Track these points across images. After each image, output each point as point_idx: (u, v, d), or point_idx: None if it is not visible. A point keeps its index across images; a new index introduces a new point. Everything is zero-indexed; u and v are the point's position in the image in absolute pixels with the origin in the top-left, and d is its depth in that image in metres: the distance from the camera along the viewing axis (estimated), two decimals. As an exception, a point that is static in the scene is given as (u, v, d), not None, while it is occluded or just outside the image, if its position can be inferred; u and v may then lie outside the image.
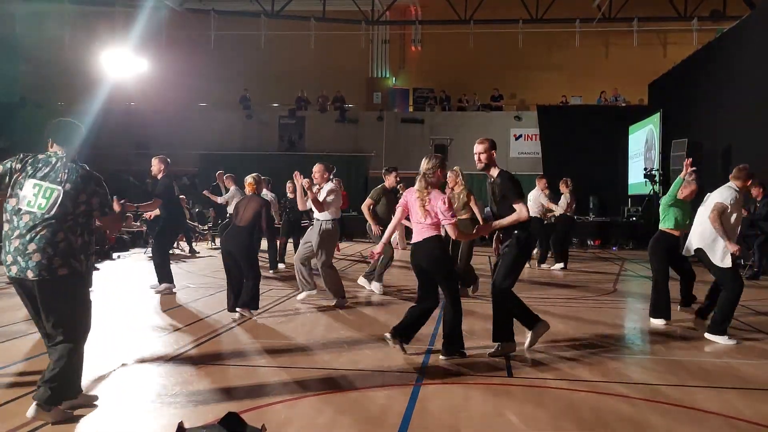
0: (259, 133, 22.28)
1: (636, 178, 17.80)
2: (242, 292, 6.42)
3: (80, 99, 20.21)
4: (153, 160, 8.15)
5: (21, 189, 3.48)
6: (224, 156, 20.70)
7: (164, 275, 7.93)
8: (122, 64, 19.58)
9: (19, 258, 3.43)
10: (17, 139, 19.29)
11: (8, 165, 3.54)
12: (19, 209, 3.46)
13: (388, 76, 24.44)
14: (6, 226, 3.50)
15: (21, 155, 3.61)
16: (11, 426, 3.43)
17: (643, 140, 17.62)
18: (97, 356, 4.98)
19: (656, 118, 16.12)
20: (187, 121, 21.85)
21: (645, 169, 16.32)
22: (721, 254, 5.68)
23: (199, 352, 5.07)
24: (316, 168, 7.28)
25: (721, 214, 5.60)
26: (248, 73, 23.07)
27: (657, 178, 15.41)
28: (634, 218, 16.72)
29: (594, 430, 3.57)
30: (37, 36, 22.10)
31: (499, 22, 21.50)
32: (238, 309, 6.38)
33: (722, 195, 5.73)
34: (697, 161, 13.55)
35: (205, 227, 16.35)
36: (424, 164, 5.02)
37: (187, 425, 2.94)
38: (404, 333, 5.02)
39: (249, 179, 6.87)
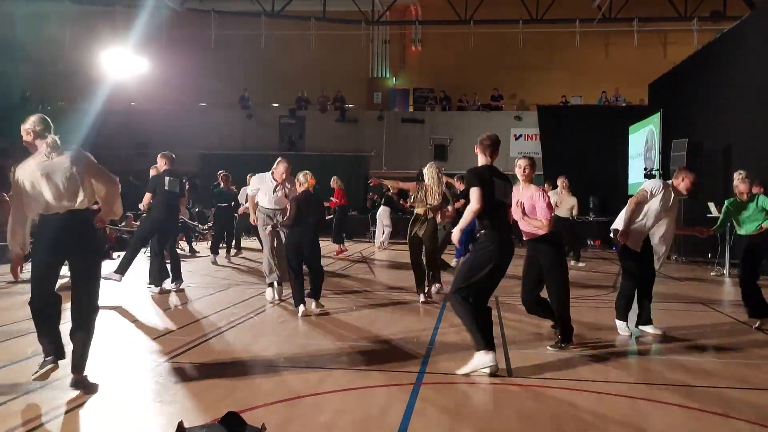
0: (259, 133, 22.28)
1: (636, 178, 17.77)
2: (313, 286, 6.73)
3: (81, 99, 20.23)
4: (158, 156, 8.29)
5: None
6: (224, 156, 20.70)
7: (123, 266, 7.87)
8: (122, 64, 19.59)
9: None
10: (18, 140, 19.28)
11: None
12: None
13: (388, 76, 24.45)
14: None
15: None
16: (11, 426, 3.43)
17: (643, 140, 17.60)
18: (97, 356, 4.98)
19: (656, 118, 16.11)
20: (187, 121, 21.84)
21: (645, 169, 16.30)
22: (633, 238, 5.77)
23: (199, 352, 5.06)
24: (284, 168, 7.39)
25: (638, 202, 5.68)
26: (248, 73, 23.08)
27: (657, 178, 15.40)
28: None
29: (594, 430, 3.57)
30: (37, 36, 22.09)
31: (499, 22, 21.49)
32: (316, 303, 6.68)
33: (648, 184, 5.86)
34: (697, 161, 13.62)
35: (205, 227, 16.34)
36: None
37: (187, 425, 2.94)
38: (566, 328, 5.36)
39: (309, 177, 6.94)
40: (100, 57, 19.45)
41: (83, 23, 23.19)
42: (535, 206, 5.25)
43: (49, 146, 4.13)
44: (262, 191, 7.48)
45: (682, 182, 5.77)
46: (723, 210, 6.81)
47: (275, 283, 7.32)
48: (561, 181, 11.80)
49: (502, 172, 4.74)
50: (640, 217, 5.71)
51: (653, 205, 5.69)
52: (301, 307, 6.54)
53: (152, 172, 8.54)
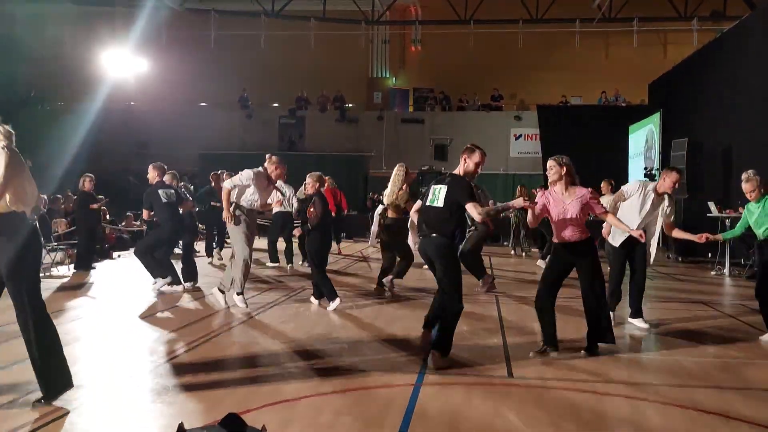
0: (259, 133, 22.28)
1: (636, 178, 17.78)
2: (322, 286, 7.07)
3: (80, 99, 20.26)
4: (149, 167, 8.21)
5: None
6: (224, 156, 20.69)
7: (157, 270, 7.96)
8: (122, 64, 19.62)
9: None
10: (17, 140, 19.28)
11: None
12: None
13: (388, 76, 24.45)
14: None
15: None
16: (11, 426, 3.43)
17: (643, 140, 17.62)
18: (97, 356, 4.98)
19: (656, 118, 16.12)
20: (187, 121, 21.85)
21: (645, 168, 16.31)
22: (616, 235, 6.14)
23: (199, 352, 5.06)
24: (284, 170, 7.25)
25: (614, 200, 6.12)
26: (248, 73, 23.08)
27: (657, 178, 15.40)
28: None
29: (594, 430, 3.57)
30: (37, 36, 22.10)
31: (499, 22, 21.49)
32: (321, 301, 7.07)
33: (626, 185, 6.21)
34: (697, 161, 13.60)
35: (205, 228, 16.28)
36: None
37: (187, 426, 2.93)
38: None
39: (325, 178, 7.33)
40: (100, 57, 19.46)
41: (83, 23, 23.21)
42: (583, 207, 5.16)
43: (8, 138, 3.79)
44: (253, 190, 6.79)
45: (664, 182, 5.98)
46: (743, 214, 6.37)
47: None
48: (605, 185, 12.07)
49: (457, 177, 4.88)
50: (622, 215, 5.94)
51: (630, 204, 6.00)
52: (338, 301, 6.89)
53: (149, 177, 8.28)
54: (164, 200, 7.95)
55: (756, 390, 4.34)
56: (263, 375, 4.48)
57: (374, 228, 15.44)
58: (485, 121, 21.27)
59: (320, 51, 22.60)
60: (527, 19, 21.05)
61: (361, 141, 22.06)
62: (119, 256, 12.33)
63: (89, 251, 10.26)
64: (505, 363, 4.86)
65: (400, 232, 8.16)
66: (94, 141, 18.22)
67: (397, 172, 7.92)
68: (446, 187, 4.81)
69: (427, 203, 4.89)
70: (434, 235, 4.78)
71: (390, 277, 8.02)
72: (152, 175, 8.12)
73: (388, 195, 7.91)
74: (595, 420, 3.69)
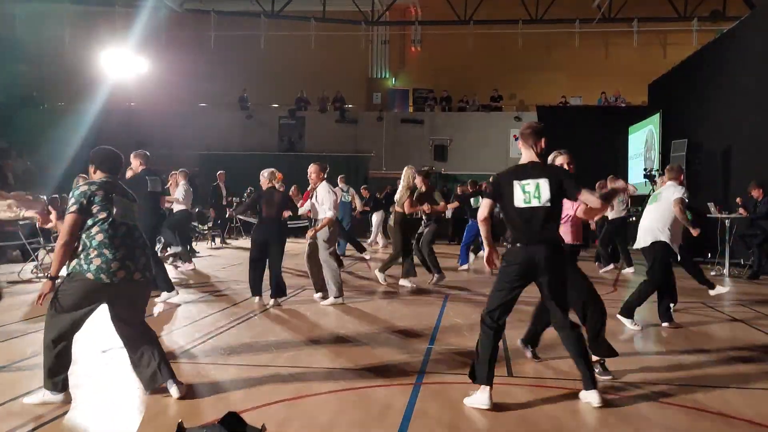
0: (259, 133, 22.30)
1: (636, 178, 17.77)
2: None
3: (80, 99, 20.24)
4: (131, 156, 7.42)
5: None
6: (224, 156, 20.71)
7: (166, 281, 7.30)
8: (122, 64, 19.59)
9: (128, 262, 3.76)
10: (17, 140, 19.33)
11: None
12: (114, 221, 3.79)
13: (387, 76, 24.46)
14: (100, 237, 3.73)
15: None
16: (12, 426, 3.43)
17: (643, 140, 17.62)
18: (97, 356, 4.98)
19: (656, 118, 16.12)
20: (187, 121, 21.85)
21: (645, 169, 16.31)
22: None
23: (198, 352, 5.06)
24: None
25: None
26: (248, 73, 23.09)
27: (657, 179, 15.40)
28: (633, 218, 16.70)
29: (594, 430, 3.57)
30: (37, 36, 22.11)
31: (499, 22, 21.51)
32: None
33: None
34: (697, 161, 13.59)
35: (205, 227, 16.32)
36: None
37: (187, 425, 2.94)
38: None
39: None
40: (100, 57, 19.45)
41: (83, 23, 23.21)
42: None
43: None
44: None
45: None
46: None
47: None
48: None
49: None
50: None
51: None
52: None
53: (128, 174, 7.61)
54: (149, 188, 7.21)
55: (756, 390, 4.34)
56: (263, 374, 4.48)
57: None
58: (485, 122, 21.26)
59: (320, 51, 22.60)
60: (527, 19, 21.07)
61: (360, 141, 22.07)
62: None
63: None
64: (505, 363, 4.86)
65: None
66: (94, 141, 18.18)
67: (403, 175, 8.67)
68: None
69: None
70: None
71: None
72: (136, 163, 7.37)
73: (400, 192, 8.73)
74: (595, 420, 3.69)
